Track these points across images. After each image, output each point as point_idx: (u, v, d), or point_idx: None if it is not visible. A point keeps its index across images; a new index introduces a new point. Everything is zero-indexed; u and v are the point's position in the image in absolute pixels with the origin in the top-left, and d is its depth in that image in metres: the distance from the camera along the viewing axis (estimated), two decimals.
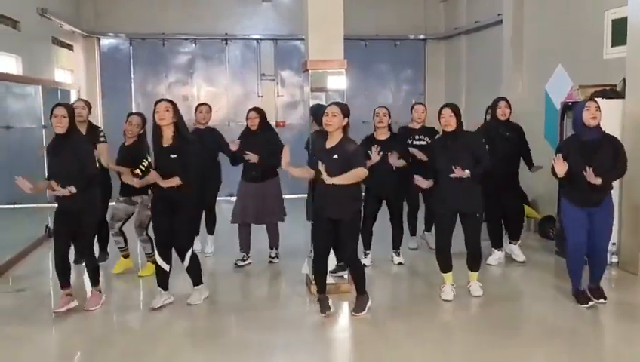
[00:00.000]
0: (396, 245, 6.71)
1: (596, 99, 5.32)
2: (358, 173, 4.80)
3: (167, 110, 5.02)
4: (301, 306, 5.48)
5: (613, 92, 6.37)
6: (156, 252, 5.25)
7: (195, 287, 5.46)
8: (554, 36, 8.03)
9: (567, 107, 6.75)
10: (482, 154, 5.36)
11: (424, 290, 5.87)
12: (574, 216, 5.18)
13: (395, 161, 6.17)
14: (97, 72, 11.30)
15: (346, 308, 5.23)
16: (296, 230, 6.90)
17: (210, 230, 7.19)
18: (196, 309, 5.33)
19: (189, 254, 5.25)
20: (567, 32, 7.71)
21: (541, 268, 6.49)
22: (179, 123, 5.09)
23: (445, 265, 5.46)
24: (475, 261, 5.54)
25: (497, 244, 6.65)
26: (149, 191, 5.83)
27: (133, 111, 6.58)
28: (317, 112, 5.41)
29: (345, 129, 4.87)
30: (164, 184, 4.99)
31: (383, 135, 6.34)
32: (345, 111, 4.86)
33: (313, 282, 5.45)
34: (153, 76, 11.62)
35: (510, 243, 6.78)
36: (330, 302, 5.10)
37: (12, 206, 7.60)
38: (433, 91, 11.99)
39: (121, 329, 5.19)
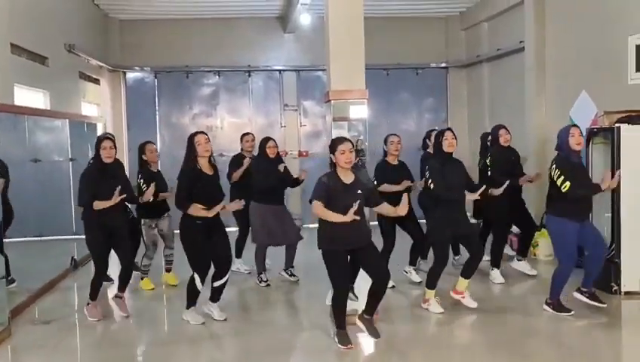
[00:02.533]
0: (414, 260, 7.02)
1: (577, 125, 5.72)
2: (388, 209, 5.09)
3: (208, 141, 5.44)
4: (327, 338, 5.42)
5: (638, 118, 6.27)
6: (199, 276, 5.49)
7: (215, 304, 5.74)
8: (577, 62, 7.98)
9: (592, 133, 6.68)
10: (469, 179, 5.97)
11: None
12: (572, 233, 5.48)
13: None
14: (123, 105, 11.50)
15: (360, 338, 5.16)
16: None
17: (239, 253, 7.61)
18: (213, 334, 5.31)
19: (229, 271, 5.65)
20: (590, 57, 7.66)
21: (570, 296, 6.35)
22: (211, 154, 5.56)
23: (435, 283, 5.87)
24: (475, 266, 5.85)
25: (497, 264, 7.00)
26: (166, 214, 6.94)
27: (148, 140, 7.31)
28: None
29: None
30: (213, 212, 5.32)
31: (395, 161, 6.68)
32: (354, 144, 4.95)
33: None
34: (177, 108, 11.79)
35: (517, 259, 7.23)
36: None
37: (39, 238, 7.69)
38: (456, 119, 11.95)
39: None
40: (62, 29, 8.87)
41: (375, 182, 6.36)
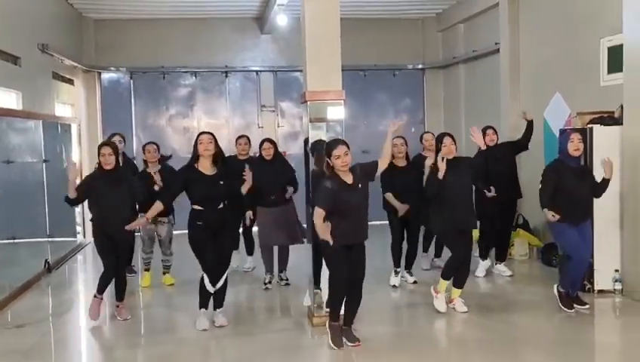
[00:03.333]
0: (409, 265, 6.98)
1: (579, 130, 5.85)
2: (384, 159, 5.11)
3: (211, 142, 5.36)
4: (304, 339, 5.42)
5: (610, 119, 6.38)
6: (208, 281, 5.43)
7: (219, 310, 5.65)
8: (551, 64, 8.08)
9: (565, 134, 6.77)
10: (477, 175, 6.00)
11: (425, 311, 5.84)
12: (574, 235, 5.59)
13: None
14: (98, 106, 11.36)
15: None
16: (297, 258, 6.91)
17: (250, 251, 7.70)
18: (195, 335, 5.29)
19: (224, 276, 5.53)
20: (564, 59, 7.76)
21: (545, 295, 6.41)
22: (219, 152, 5.44)
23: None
24: (464, 276, 5.87)
25: (485, 255, 7.28)
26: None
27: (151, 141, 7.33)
28: (318, 150, 5.42)
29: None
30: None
31: (401, 163, 6.70)
32: (348, 146, 4.90)
33: (315, 314, 5.42)
34: (154, 109, 11.69)
35: (497, 264, 7.31)
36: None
37: (11, 241, 7.56)
38: (433, 120, 12.04)
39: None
40: (35, 28, 8.74)
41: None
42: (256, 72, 11.81)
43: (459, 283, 5.86)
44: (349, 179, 4.86)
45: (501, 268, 7.27)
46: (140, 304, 6.61)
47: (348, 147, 4.84)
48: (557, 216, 5.46)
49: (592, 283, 6.28)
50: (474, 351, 5.06)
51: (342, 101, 5.59)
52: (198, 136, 5.45)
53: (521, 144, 7.24)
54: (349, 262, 4.93)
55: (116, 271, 5.81)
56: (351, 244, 4.91)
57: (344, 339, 5.00)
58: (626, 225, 6.24)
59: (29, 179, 8.26)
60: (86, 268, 7.22)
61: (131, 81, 11.54)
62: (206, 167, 5.37)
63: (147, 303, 6.68)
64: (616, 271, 6.27)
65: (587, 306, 5.75)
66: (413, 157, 7.05)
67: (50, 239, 8.31)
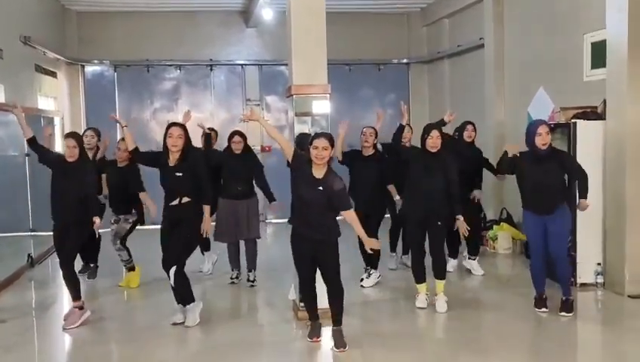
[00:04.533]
0: (373, 263, 6.69)
1: (545, 122, 5.67)
2: (355, 219, 4.82)
3: (181, 137, 5.28)
4: (289, 332, 5.43)
5: (594, 113, 6.44)
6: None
7: (187, 307, 5.45)
8: (535, 59, 8.14)
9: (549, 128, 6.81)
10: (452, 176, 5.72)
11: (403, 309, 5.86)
12: (532, 224, 5.55)
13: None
14: (81, 99, 11.26)
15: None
16: (282, 254, 6.89)
17: (205, 248, 7.38)
18: (180, 332, 5.28)
19: (172, 270, 5.29)
20: (548, 55, 7.82)
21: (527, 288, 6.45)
22: (187, 146, 5.34)
23: (419, 276, 5.87)
24: (438, 266, 5.84)
25: (454, 254, 7.23)
26: (133, 211, 6.71)
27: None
28: (302, 143, 5.42)
29: (329, 161, 4.82)
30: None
31: (368, 152, 6.66)
32: (332, 142, 4.84)
33: (301, 308, 5.42)
34: (138, 102, 11.60)
35: (469, 258, 7.18)
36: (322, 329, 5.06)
37: None
38: (417, 114, 12.03)
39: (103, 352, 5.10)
40: (17, 20, 8.63)
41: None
42: (242, 65, 11.77)
43: (437, 274, 5.85)
44: (319, 174, 4.76)
45: (473, 264, 7.10)
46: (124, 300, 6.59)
47: (332, 144, 4.77)
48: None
49: (574, 277, 6.35)
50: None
51: (327, 95, 5.60)
52: (168, 127, 5.32)
53: (491, 170, 7.07)
54: (319, 266, 4.90)
55: (63, 266, 5.56)
56: (308, 240, 4.83)
57: (333, 342, 4.91)
58: (608, 219, 6.32)
59: (12, 173, 8.17)
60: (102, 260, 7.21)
61: (115, 74, 11.44)
62: (173, 158, 5.34)
63: (131, 300, 6.65)
64: (599, 264, 6.35)
65: (546, 310, 5.59)
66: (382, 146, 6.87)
67: (33, 233, 8.24)
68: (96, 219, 5.47)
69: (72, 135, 5.63)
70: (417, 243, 5.90)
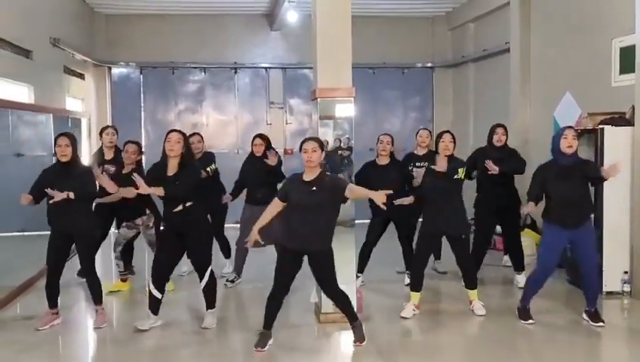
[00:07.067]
0: (408, 265, 6.70)
1: (572, 127, 5.46)
2: (357, 187, 4.89)
3: (179, 142, 5.16)
4: (311, 336, 5.44)
5: (622, 119, 6.36)
6: (151, 281, 5.33)
7: (209, 311, 5.51)
8: (562, 64, 8.06)
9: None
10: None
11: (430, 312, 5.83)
12: (553, 239, 5.35)
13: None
14: (108, 101, 11.42)
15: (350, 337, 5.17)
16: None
17: (227, 254, 7.40)
18: (200, 334, 5.31)
19: (208, 272, 5.37)
20: (575, 59, 7.74)
21: (549, 296, 6.35)
22: (186, 154, 5.21)
23: (416, 284, 5.78)
24: (468, 277, 5.82)
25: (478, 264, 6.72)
26: (147, 211, 6.54)
27: (132, 140, 6.79)
28: None
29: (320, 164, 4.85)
30: (143, 191, 5.04)
31: (383, 161, 6.58)
32: (322, 145, 4.87)
33: (322, 311, 5.43)
34: (163, 104, 11.72)
35: (516, 274, 6.87)
36: (271, 341, 4.96)
37: (21, 233, 7.60)
38: (441, 118, 12.01)
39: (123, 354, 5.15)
40: (47, 22, 8.79)
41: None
42: (266, 68, 11.82)
43: (468, 284, 5.84)
44: (310, 177, 4.78)
45: (519, 278, 6.76)
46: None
47: (321, 147, 4.80)
48: (533, 206, 5.28)
49: (600, 285, 6.26)
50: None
51: (352, 98, 5.60)
52: (168, 133, 5.23)
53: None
54: (313, 272, 4.89)
55: (56, 274, 5.50)
56: (302, 251, 4.81)
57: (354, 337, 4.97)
58: (636, 227, 6.22)
59: (39, 173, 8.28)
60: (97, 260, 7.28)
61: (141, 76, 11.58)
62: (172, 166, 5.18)
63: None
64: (625, 272, 6.25)
65: (531, 322, 5.43)
66: (403, 157, 6.92)
67: None
68: (65, 195, 5.19)
69: (64, 134, 5.49)
70: (428, 255, 5.89)
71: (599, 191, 6.15)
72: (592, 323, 5.37)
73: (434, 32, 12.13)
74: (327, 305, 5.49)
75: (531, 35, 8.79)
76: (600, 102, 6.95)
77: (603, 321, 5.37)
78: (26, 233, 7.70)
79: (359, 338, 4.96)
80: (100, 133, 7.17)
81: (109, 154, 6.92)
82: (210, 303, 5.50)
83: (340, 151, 5.68)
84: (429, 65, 12.16)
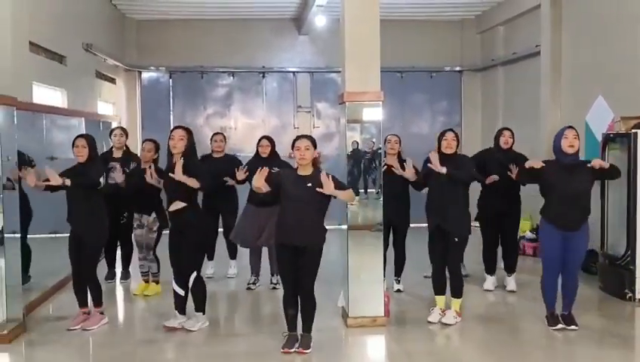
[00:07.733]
0: (398, 272, 6.73)
1: (572, 127, 5.37)
2: (351, 193, 4.91)
3: (182, 139, 5.17)
4: (338, 340, 5.43)
5: None
6: (173, 280, 5.43)
7: (196, 313, 5.52)
8: (593, 67, 7.93)
9: (608, 139, 6.64)
10: (466, 169, 5.59)
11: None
12: (552, 238, 5.30)
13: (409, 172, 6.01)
14: (138, 105, 11.60)
15: (383, 341, 5.15)
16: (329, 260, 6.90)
17: (233, 255, 7.48)
18: (222, 337, 5.33)
19: (192, 277, 5.36)
20: (608, 62, 7.61)
21: (582, 303, 6.25)
22: (188, 152, 5.18)
23: (438, 287, 5.72)
24: (454, 285, 5.65)
25: (490, 270, 6.79)
26: (154, 214, 6.56)
27: (149, 138, 6.88)
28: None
29: (315, 162, 4.85)
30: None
31: (391, 161, 6.45)
32: (315, 143, 4.88)
33: (349, 315, 5.42)
34: (192, 108, 11.85)
35: (507, 275, 6.80)
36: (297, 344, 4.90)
37: (54, 235, 7.74)
38: (470, 122, 11.93)
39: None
40: (80, 28, 8.96)
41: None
42: (293, 72, 11.88)
43: (453, 292, 5.69)
44: (304, 172, 4.81)
45: (509, 280, 6.73)
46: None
47: (314, 145, 4.83)
48: (540, 163, 5.25)
49: (632, 292, 6.14)
50: None
51: (380, 102, 5.59)
52: (172, 130, 5.25)
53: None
54: (293, 264, 4.83)
55: (78, 272, 5.60)
56: (293, 246, 4.78)
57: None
58: None
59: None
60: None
61: (170, 80, 11.73)
62: (178, 162, 5.14)
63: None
64: None
65: (560, 327, 5.35)
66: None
67: None
68: (60, 180, 5.27)
69: (81, 135, 5.70)
70: (441, 255, 5.69)
71: (633, 197, 6.02)
72: (567, 327, 5.33)
73: (463, 36, 12.05)
74: (355, 309, 5.49)
75: (562, 37, 8.67)
76: (633, 105, 6.81)
77: (577, 324, 5.32)
78: (58, 234, 7.83)
79: (305, 346, 4.88)
80: (110, 135, 7.41)
81: (117, 154, 7.18)
82: (198, 306, 5.50)
83: (366, 156, 5.70)
84: (458, 68, 12.08)
